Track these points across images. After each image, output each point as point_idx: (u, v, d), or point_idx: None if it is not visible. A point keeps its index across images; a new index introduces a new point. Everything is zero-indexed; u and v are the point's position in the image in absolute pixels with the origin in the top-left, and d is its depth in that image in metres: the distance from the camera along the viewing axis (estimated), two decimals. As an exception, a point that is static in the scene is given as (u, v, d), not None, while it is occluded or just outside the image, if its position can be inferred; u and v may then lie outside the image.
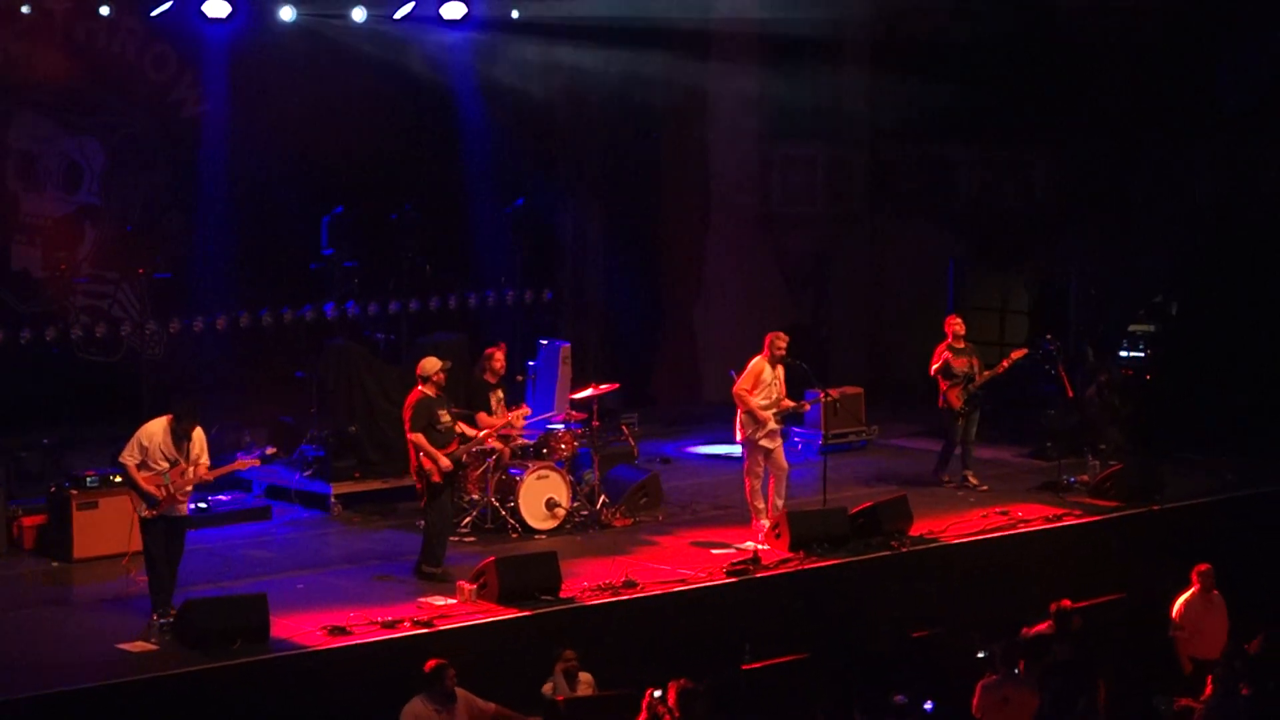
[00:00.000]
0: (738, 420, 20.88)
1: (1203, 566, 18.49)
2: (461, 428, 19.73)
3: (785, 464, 21.05)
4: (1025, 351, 23.95)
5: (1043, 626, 17.68)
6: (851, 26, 30.18)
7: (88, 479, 19.74)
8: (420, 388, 19.09)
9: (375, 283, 25.47)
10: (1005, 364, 23.53)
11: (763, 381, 20.78)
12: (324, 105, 25.10)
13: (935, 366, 23.36)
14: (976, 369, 23.34)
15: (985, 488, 23.26)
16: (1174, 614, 18.47)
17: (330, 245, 24.44)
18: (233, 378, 25.12)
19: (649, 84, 27.76)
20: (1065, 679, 16.24)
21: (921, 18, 29.48)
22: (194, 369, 24.94)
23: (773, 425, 20.80)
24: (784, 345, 20.92)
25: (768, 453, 20.82)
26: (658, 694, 15.19)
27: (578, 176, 28.47)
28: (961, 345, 23.42)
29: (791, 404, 21.15)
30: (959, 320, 23.62)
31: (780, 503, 20.85)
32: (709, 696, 15.27)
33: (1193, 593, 18.47)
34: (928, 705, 16.35)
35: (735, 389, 20.86)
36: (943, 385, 23.32)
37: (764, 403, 20.72)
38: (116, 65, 24.42)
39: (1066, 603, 17.63)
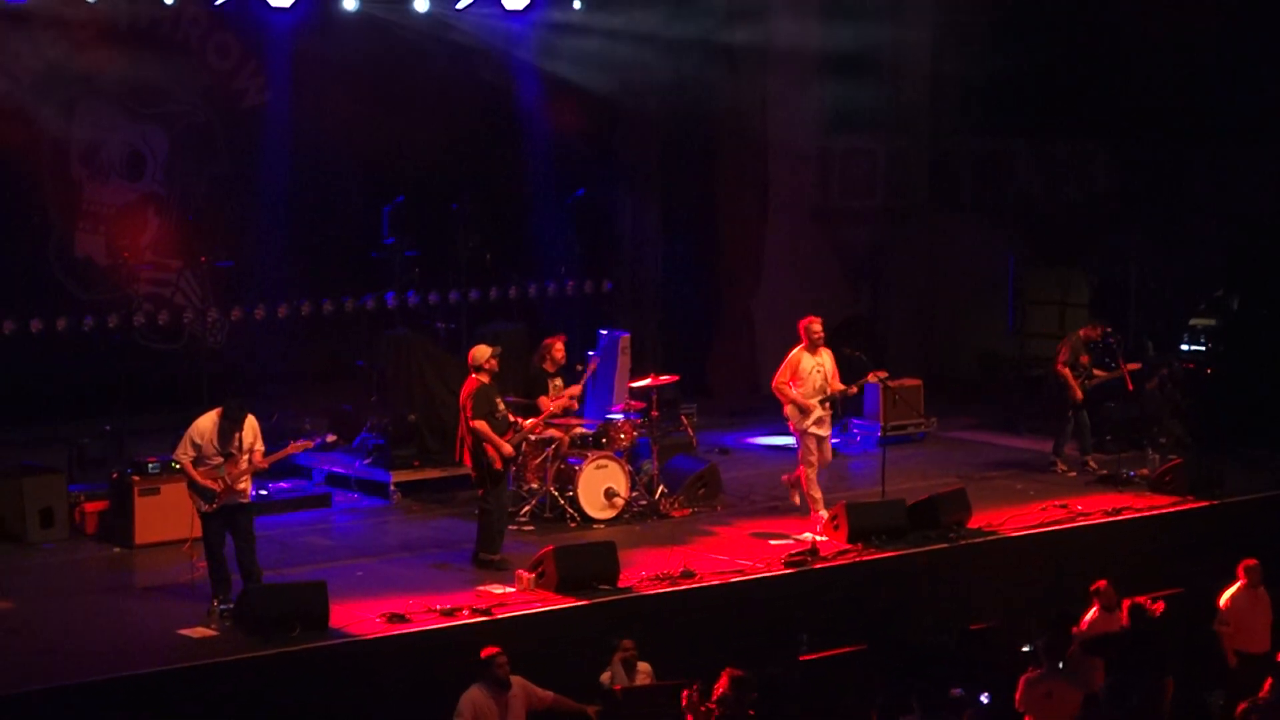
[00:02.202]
0: (786, 411, 20.95)
1: (1250, 561, 18.42)
2: (515, 418, 19.78)
3: (830, 456, 21.11)
4: (1140, 365, 24.08)
5: (1092, 615, 17.66)
6: (913, 20, 30.16)
7: (149, 465, 19.84)
8: (475, 376, 19.14)
9: (436, 272, 25.53)
10: (1120, 373, 23.67)
11: (802, 371, 20.81)
12: (386, 95, 25.19)
13: (1063, 359, 23.52)
14: (1088, 366, 23.49)
15: (1105, 471, 23.40)
16: (1220, 608, 18.43)
17: (391, 234, 24.49)
18: (293, 366, 25.25)
19: (709, 75, 27.76)
20: (1128, 674, 16.18)
21: (983, 14, 29.41)
22: (255, 357, 25.08)
23: (819, 412, 20.82)
24: (819, 329, 20.93)
25: (820, 440, 20.84)
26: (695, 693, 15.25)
27: (637, 168, 28.46)
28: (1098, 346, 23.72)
29: (841, 387, 21.14)
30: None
31: (816, 493, 20.89)
32: (758, 686, 15.28)
33: (1239, 587, 18.41)
34: (984, 698, 16.32)
35: (774, 383, 20.94)
36: (1069, 377, 23.43)
37: (808, 391, 20.76)
38: (180, 54, 24.53)
39: (1143, 599, 17.59)
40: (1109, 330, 24.31)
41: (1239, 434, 24.76)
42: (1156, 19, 27.67)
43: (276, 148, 25.06)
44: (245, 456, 17.19)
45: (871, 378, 22.07)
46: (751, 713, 15.00)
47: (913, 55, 30.59)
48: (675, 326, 28.75)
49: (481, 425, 18.89)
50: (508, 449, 18.99)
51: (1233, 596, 18.40)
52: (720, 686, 15.02)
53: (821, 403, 20.86)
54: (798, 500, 21.27)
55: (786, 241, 29.82)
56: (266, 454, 17.48)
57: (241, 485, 17.22)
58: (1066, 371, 23.56)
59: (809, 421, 20.78)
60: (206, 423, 17.23)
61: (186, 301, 24.95)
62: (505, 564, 18.74)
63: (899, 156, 31.16)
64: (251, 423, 17.32)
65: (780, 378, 20.87)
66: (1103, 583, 17.83)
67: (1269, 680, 15.84)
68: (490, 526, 19.10)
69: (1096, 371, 23.69)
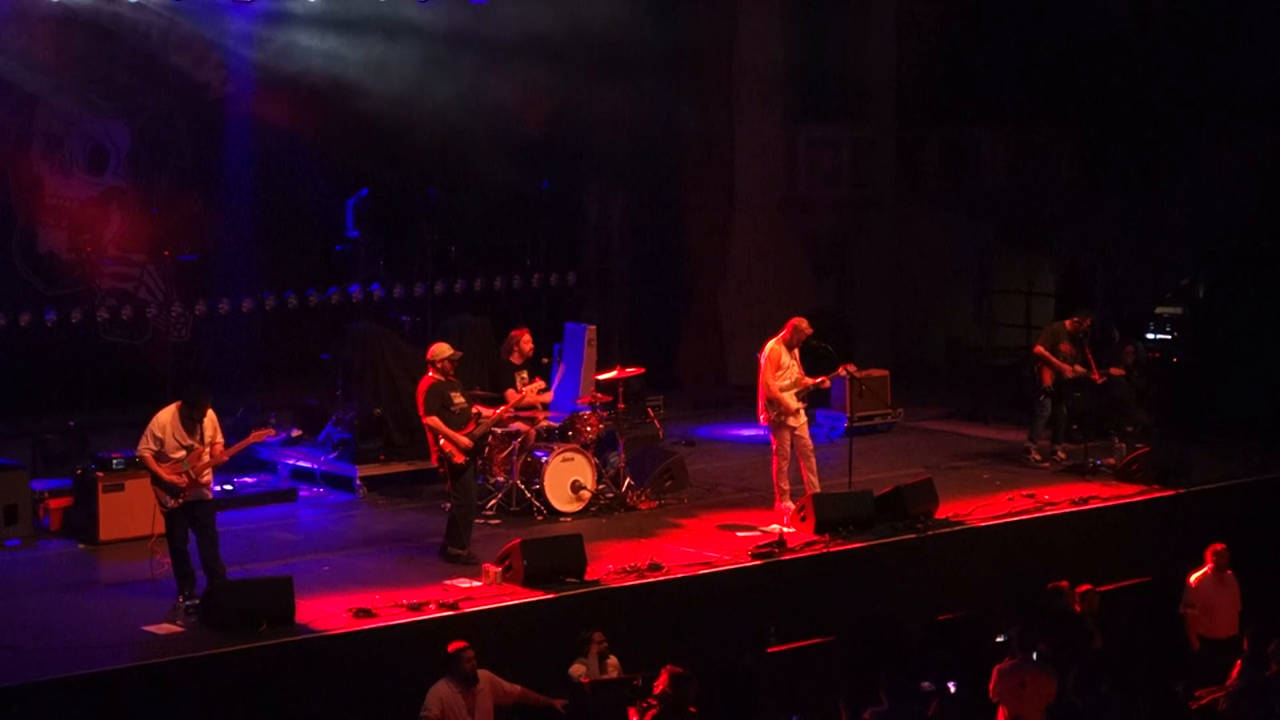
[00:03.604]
0: (761, 404, 20.90)
1: (1217, 546, 18.55)
2: (479, 409, 19.71)
3: (811, 443, 21.07)
4: (1123, 372, 24.14)
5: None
6: (877, 9, 30.18)
7: (114, 461, 19.75)
8: (430, 372, 19.11)
9: (400, 265, 25.47)
10: (1103, 376, 23.78)
11: (782, 365, 20.81)
12: (349, 88, 25.10)
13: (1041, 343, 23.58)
14: (1070, 356, 23.42)
15: (1064, 455, 23.55)
16: (1186, 592, 18.52)
17: (355, 227, 24.43)
18: (258, 360, 25.18)
19: (673, 66, 27.73)
20: (1090, 666, 16.24)
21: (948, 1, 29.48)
22: (219, 351, 24.98)
23: (796, 405, 20.80)
24: (808, 333, 20.93)
25: (794, 432, 20.81)
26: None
27: (603, 159, 28.43)
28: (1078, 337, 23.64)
29: (812, 382, 21.11)
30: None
31: (815, 480, 20.83)
32: (698, 683, 15.22)
33: (1205, 572, 18.51)
34: (951, 686, 16.32)
35: (762, 379, 20.81)
36: (1049, 357, 23.43)
37: (785, 384, 20.74)
38: (141, 47, 24.42)
39: (1081, 585, 17.72)
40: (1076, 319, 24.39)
41: (1205, 422, 24.81)
42: (1125, 7, 27.74)
43: (239, 141, 24.98)
44: (206, 449, 17.11)
45: (841, 371, 22.02)
46: (693, 709, 14.95)
47: (878, 43, 30.58)
48: (641, 318, 28.75)
49: (433, 421, 18.83)
50: (465, 441, 18.87)
51: (1199, 580, 18.50)
52: (659, 683, 14.97)
53: (797, 396, 20.88)
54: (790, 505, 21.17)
55: (753, 232, 29.83)
56: (228, 445, 17.38)
57: (204, 479, 17.14)
58: (1044, 352, 23.50)
59: (786, 414, 20.76)
60: (166, 416, 17.13)
61: (150, 296, 24.86)
62: (473, 559, 18.67)
63: (865, 146, 31.17)
64: (211, 416, 17.24)
65: (767, 375, 20.79)
66: (1085, 586, 17.91)
67: (1238, 664, 15.91)
68: (458, 520, 19.04)
69: (1078, 368, 23.57)
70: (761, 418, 20.97)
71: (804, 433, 20.98)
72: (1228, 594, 18.53)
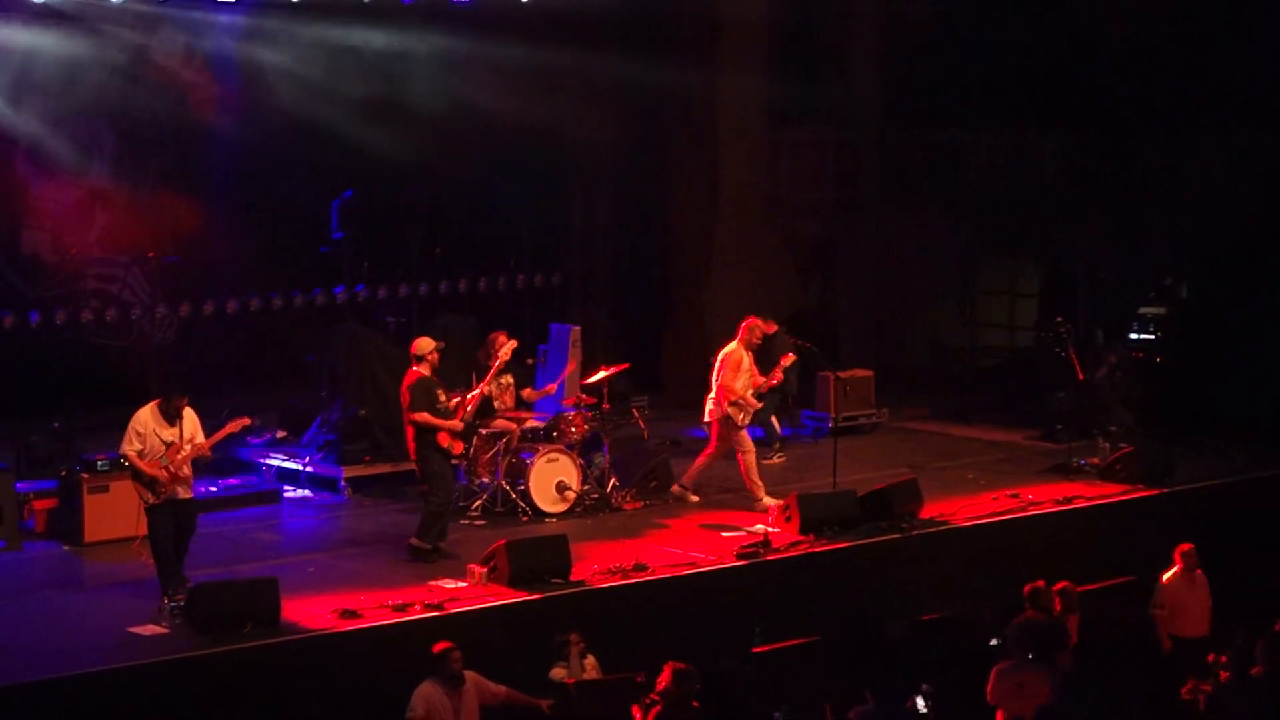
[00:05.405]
0: (709, 404, 21.08)
1: (1185, 546, 18.60)
2: (461, 398, 19.82)
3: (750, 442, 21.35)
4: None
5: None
6: (860, 11, 30.18)
7: (98, 463, 19.77)
8: (415, 368, 19.11)
9: (385, 266, 25.46)
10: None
11: (742, 369, 20.96)
12: (333, 89, 25.07)
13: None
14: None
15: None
16: (1156, 593, 18.57)
17: (340, 229, 24.39)
18: (242, 361, 25.14)
19: (657, 68, 27.72)
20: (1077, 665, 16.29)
21: (932, 3, 29.48)
22: (204, 352, 24.96)
23: (757, 404, 21.01)
24: (765, 331, 21.26)
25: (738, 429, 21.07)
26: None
27: (587, 160, 28.41)
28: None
29: (766, 381, 21.30)
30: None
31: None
32: (701, 679, 15.26)
33: (1175, 572, 18.55)
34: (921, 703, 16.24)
35: (721, 382, 20.89)
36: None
37: (741, 383, 20.92)
38: (125, 49, 24.34)
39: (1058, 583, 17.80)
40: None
41: (1188, 422, 24.85)
42: (1108, 8, 27.76)
43: (224, 142, 24.94)
44: (186, 444, 17.13)
45: (831, 380, 22.10)
46: (696, 704, 14.99)
47: (862, 45, 30.58)
48: (626, 319, 28.73)
49: (423, 417, 18.84)
50: (457, 425, 18.96)
51: (1169, 581, 18.54)
52: (662, 680, 15.00)
53: (754, 396, 21.09)
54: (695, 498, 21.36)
55: (737, 234, 29.77)
56: (206, 437, 17.44)
57: (184, 473, 17.15)
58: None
59: (744, 416, 20.93)
60: (146, 413, 17.24)
61: (134, 297, 24.83)
62: (436, 554, 18.73)
63: (849, 148, 31.15)
64: (191, 414, 17.29)
65: (727, 376, 20.91)
66: (1062, 583, 17.97)
67: (1224, 661, 15.95)
68: (429, 517, 19.01)
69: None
70: (706, 417, 21.10)
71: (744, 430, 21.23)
72: (1197, 594, 18.58)
